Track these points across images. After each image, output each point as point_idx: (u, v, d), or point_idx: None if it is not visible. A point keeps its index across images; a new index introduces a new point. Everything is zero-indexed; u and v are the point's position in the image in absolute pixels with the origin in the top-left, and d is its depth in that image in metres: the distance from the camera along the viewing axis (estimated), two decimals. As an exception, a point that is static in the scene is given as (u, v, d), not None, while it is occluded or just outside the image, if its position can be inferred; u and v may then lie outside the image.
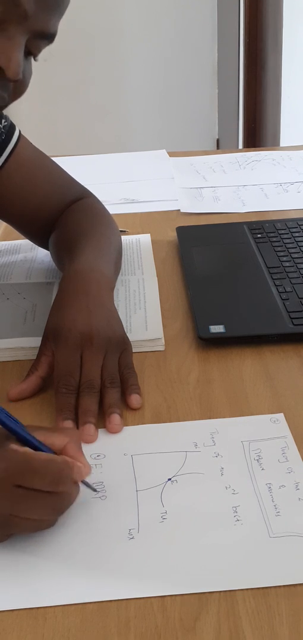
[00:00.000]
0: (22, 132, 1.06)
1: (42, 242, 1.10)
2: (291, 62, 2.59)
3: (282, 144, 2.67)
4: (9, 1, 0.72)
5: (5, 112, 1.06)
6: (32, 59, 0.80)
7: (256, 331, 0.88)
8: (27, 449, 0.61)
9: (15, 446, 0.60)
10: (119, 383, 0.78)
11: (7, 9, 0.72)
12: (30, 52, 0.79)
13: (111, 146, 2.13)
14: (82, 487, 0.63)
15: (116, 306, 0.87)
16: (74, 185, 1.09)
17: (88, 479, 0.65)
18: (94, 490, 0.65)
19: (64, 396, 0.76)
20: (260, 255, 1.07)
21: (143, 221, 1.27)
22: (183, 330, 0.92)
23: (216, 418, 0.75)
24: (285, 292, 0.96)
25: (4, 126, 1.01)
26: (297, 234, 1.13)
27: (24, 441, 0.61)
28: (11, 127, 1.03)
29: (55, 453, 0.62)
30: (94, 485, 0.66)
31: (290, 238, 1.12)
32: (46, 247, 1.09)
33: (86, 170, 1.44)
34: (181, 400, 0.78)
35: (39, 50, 0.80)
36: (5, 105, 0.81)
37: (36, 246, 1.14)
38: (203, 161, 1.56)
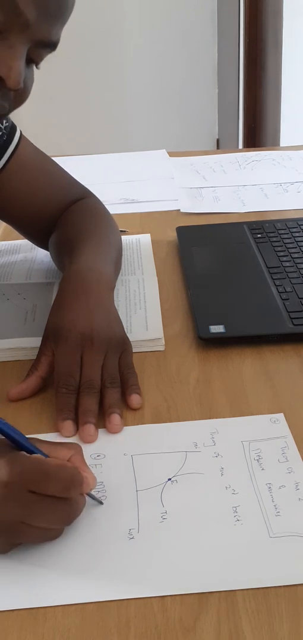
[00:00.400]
0: (23, 133, 1.06)
1: (42, 243, 1.10)
2: (291, 62, 2.59)
3: (282, 144, 2.67)
4: (10, 10, 0.71)
5: (5, 111, 1.06)
6: (34, 67, 0.80)
7: (256, 331, 0.88)
8: (38, 455, 0.61)
9: (25, 454, 0.60)
10: (119, 383, 0.78)
11: (8, 18, 0.71)
12: (32, 60, 0.78)
13: (111, 146, 2.13)
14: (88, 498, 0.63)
15: (116, 306, 0.87)
16: (74, 185, 1.09)
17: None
18: (100, 502, 0.64)
19: (64, 396, 0.76)
20: (260, 255, 1.07)
21: (143, 221, 1.27)
22: (183, 330, 0.92)
23: (216, 418, 0.75)
24: (285, 292, 0.96)
25: (5, 127, 1.01)
26: (297, 234, 1.13)
27: (30, 453, 0.61)
28: (12, 128, 1.03)
29: None
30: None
31: (290, 238, 1.12)
32: (46, 247, 1.09)
33: (86, 170, 1.44)
34: (181, 400, 0.78)
35: (41, 59, 0.79)
36: (7, 114, 0.81)
37: (36, 246, 1.14)
38: (203, 161, 1.56)
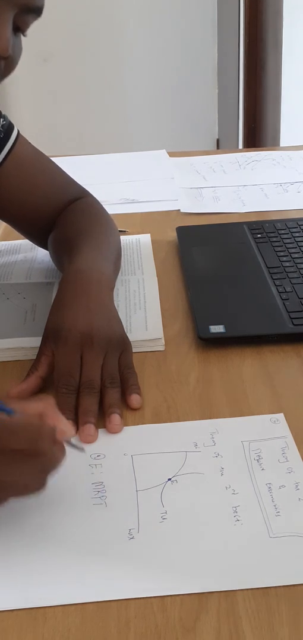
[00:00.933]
0: (22, 132, 1.06)
1: (41, 242, 1.10)
2: (291, 62, 2.59)
3: (282, 144, 2.67)
4: None
5: (5, 111, 1.06)
6: (22, 36, 0.80)
7: (256, 331, 0.88)
8: (2, 414, 0.61)
9: None
10: (119, 383, 0.78)
11: None
12: (19, 28, 0.79)
13: (111, 146, 2.13)
14: (80, 482, 0.64)
15: (116, 306, 0.87)
16: (72, 185, 1.09)
17: (87, 476, 0.65)
18: (82, 449, 0.65)
19: (64, 396, 0.76)
20: (260, 255, 1.07)
21: (143, 221, 1.27)
22: (183, 330, 0.92)
23: (216, 418, 0.75)
24: (285, 292, 0.96)
25: (2, 125, 1.02)
26: (297, 234, 1.13)
27: None
28: (9, 127, 1.03)
29: None
30: (94, 485, 0.66)
31: (290, 238, 1.12)
32: (45, 246, 1.09)
33: (86, 170, 1.44)
34: (181, 400, 0.78)
35: (27, 26, 0.80)
36: None
37: (36, 246, 1.14)
38: (203, 161, 1.57)
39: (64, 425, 0.63)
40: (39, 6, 0.79)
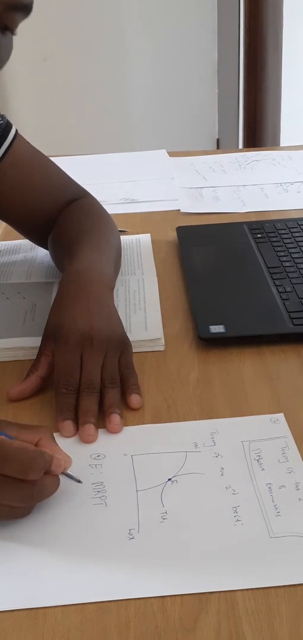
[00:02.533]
0: (22, 132, 1.06)
1: (40, 241, 1.10)
2: (291, 62, 2.59)
3: (282, 144, 2.67)
4: None
5: (5, 111, 1.06)
6: (12, 34, 0.78)
7: (256, 331, 0.88)
8: (1, 437, 0.62)
9: None
10: (119, 383, 0.78)
11: None
12: (7, 27, 0.77)
13: (111, 146, 2.13)
14: (78, 485, 0.64)
15: (116, 306, 0.87)
16: (71, 185, 1.09)
17: (86, 478, 0.65)
18: (78, 481, 0.65)
19: (64, 396, 0.76)
20: (260, 255, 1.07)
21: (143, 221, 1.27)
22: (183, 330, 0.92)
23: (216, 418, 0.75)
24: (285, 292, 0.96)
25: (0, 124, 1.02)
26: (297, 234, 1.13)
27: None
28: (7, 126, 1.03)
29: None
30: (94, 485, 0.66)
31: (290, 238, 1.12)
32: (44, 246, 1.09)
33: (86, 170, 1.44)
34: (181, 400, 0.78)
35: (16, 24, 0.77)
36: None
37: (36, 246, 1.14)
38: (203, 161, 1.56)
39: (60, 455, 0.64)
40: (26, 4, 0.76)
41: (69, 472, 0.65)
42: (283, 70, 2.65)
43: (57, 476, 0.64)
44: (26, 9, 0.77)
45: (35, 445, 0.64)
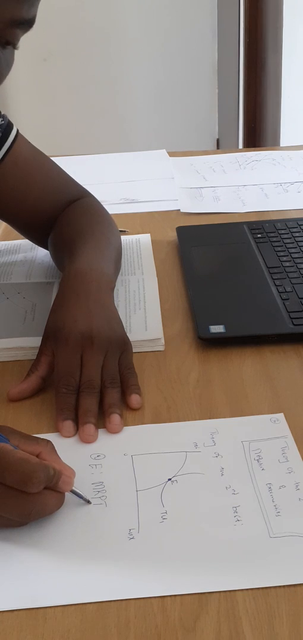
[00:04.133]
0: (22, 132, 1.06)
1: (40, 241, 1.10)
2: (291, 62, 2.59)
3: (282, 144, 2.67)
4: None
5: (5, 110, 1.06)
6: (13, 48, 0.78)
7: (256, 331, 0.88)
8: (3, 444, 0.61)
9: None
10: (119, 383, 0.78)
11: None
12: (8, 42, 0.76)
13: (111, 146, 2.13)
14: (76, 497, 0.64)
15: (116, 306, 0.87)
16: (72, 184, 1.09)
17: (86, 478, 0.65)
18: (88, 501, 0.64)
19: (64, 396, 0.76)
20: (260, 255, 1.07)
21: (143, 221, 1.27)
22: (183, 330, 0.92)
23: (216, 418, 0.75)
24: (285, 292, 0.96)
25: (1, 125, 1.02)
26: (297, 234, 1.13)
27: None
28: (8, 126, 1.03)
29: None
30: (94, 485, 0.66)
31: (290, 238, 1.12)
32: (45, 246, 1.09)
33: (86, 170, 1.44)
34: (181, 400, 0.78)
35: (17, 39, 0.77)
36: None
37: (36, 246, 1.14)
38: (203, 161, 1.56)
39: (67, 471, 0.63)
40: (28, 18, 0.75)
41: (78, 490, 0.64)
42: (283, 70, 2.64)
43: (62, 494, 0.62)
44: (28, 24, 0.76)
45: (37, 457, 0.63)
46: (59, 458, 0.65)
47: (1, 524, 0.61)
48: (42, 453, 0.64)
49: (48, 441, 0.66)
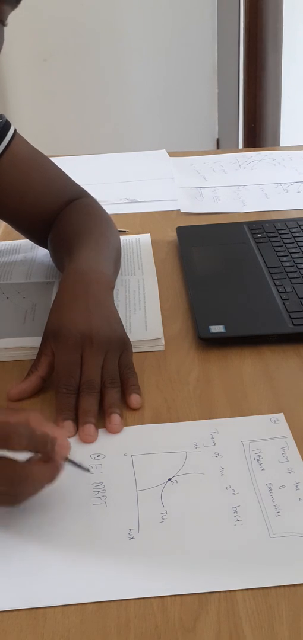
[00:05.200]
0: (21, 132, 1.06)
1: (40, 241, 1.10)
2: (291, 62, 2.58)
3: (282, 144, 2.67)
4: None
5: (5, 110, 1.06)
6: (2, 25, 0.79)
7: (256, 331, 0.88)
8: None
9: None
10: (119, 383, 0.78)
11: None
12: None
13: (111, 146, 2.13)
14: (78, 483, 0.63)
15: (116, 306, 0.87)
16: (71, 185, 1.09)
17: (87, 476, 0.65)
18: (87, 470, 0.64)
19: (64, 396, 0.76)
20: (260, 255, 1.07)
21: (143, 221, 1.27)
22: (183, 330, 0.92)
23: (216, 418, 0.75)
24: (285, 292, 0.96)
25: None
26: (297, 234, 1.13)
27: None
28: (6, 125, 1.03)
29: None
30: (94, 485, 0.66)
31: (290, 238, 1.12)
32: (44, 245, 1.09)
33: (86, 170, 1.45)
34: (181, 400, 0.78)
35: (5, 15, 0.78)
36: None
37: (36, 246, 1.14)
38: (203, 161, 1.56)
39: (59, 437, 0.61)
40: None
41: (74, 460, 0.62)
42: (283, 70, 2.64)
43: (55, 465, 0.61)
44: (14, 0, 0.78)
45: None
46: (51, 425, 0.62)
47: None
48: (30, 420, 0.61)
49: (35, 412, 0.63)
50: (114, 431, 0.73)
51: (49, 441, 0.61)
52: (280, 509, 0.62)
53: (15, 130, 1.05)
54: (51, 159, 1.09)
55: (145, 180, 1.47)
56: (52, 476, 0.62)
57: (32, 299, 0.99)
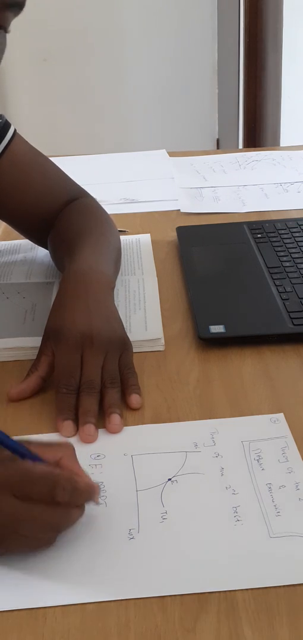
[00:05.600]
0: (21, 132, 1.06)
1: (40, 241, 1.10)
2: (291, 62, 2.58)
3: (282, 144, 2.67)
4: None
5: (5, 111, 1.06)
6: (5, 32, 0.78)
7: (256, 331, 0.88)
8: (23, 461, 0.60)
9: (12, 456, 0.60)
10: (119, 383, 0.78)
11: None
12: (0, 26, 0.76)
13: (111, 146, 2.13)
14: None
15: (116, 306, 0.87)
16: (71, 185, 1.09)
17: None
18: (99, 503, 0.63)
19: (65, 396, 0.76)
20: (260, 255, 1.07)
21: (143, 221, 1.27)
22: (183, 330, 0.92)
23: (216, 418, 0.75)
24: (285, 292, 0.96)
25: None
26: (297, 234, 1.13)
27: (18, 454, 0.60)
28: (5, 125, 1.03)
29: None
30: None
31: (290, 238, 1.12)
32: (44, 245, 1.09)
33: (86, 170, 1.44)
34: (181, 400, 0.78)
35: (8, 22, 0.77)
36: None
37: (36, 246, 1.14)
38: (203, 161, 1.56)
39: (80, 474, 0.61)
40: (18, 1, 0.76)
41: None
42: (283, 70, 2.64)
43: (83, 505, 0.61)
44: (18, 6, 0.76)
45: (58, 462, 0.61)
46: (79, 464, 0.62)
47: (28, 545, 0.59)
48: (63, 459, 0.61)
49: (69, 445, 0.64)
50: (114, 431, 0.73)
51: (89, 495, 0.60)
52: (280, 509, 0.62)
53: (15, 130, 1.05)
54: (51, 159, 1.09)
55: (145, 180, 1.47)
56: (81, 515, 0.61)
57: (32, 299, 0.99)
